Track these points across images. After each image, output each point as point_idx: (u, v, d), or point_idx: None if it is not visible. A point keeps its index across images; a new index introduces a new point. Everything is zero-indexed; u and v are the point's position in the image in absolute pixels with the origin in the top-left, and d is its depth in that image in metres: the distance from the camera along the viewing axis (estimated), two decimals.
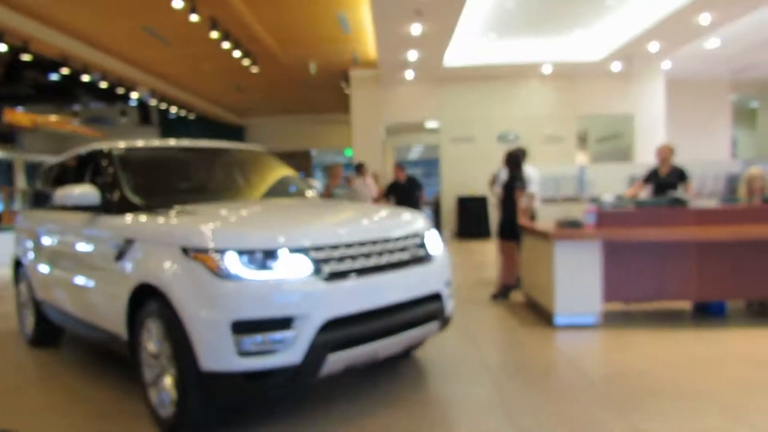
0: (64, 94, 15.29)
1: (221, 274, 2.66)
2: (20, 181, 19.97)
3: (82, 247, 3.81)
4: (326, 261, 2.85)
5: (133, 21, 10.11)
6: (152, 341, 3.00)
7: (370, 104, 14.51)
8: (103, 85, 12.88)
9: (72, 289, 3.92)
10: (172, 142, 4.57)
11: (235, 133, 21.27)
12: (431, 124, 15.83)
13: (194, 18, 9.17)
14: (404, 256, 3.24)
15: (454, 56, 12.81)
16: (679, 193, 5.95)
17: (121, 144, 4.01)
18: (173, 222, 3.13)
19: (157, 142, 4.43)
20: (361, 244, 3.02)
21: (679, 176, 6.49)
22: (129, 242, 3.20)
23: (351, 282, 2.89)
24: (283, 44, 12.04)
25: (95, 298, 3.61)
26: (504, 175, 6.75)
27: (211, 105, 18.73)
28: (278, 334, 2.64)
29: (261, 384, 2.69)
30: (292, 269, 2.74)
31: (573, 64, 13.54)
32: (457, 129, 14.67)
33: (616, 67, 13.69)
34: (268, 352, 2.64)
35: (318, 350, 2.72)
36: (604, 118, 15.95)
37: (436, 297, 3.38)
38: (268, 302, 2.67)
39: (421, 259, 3.34)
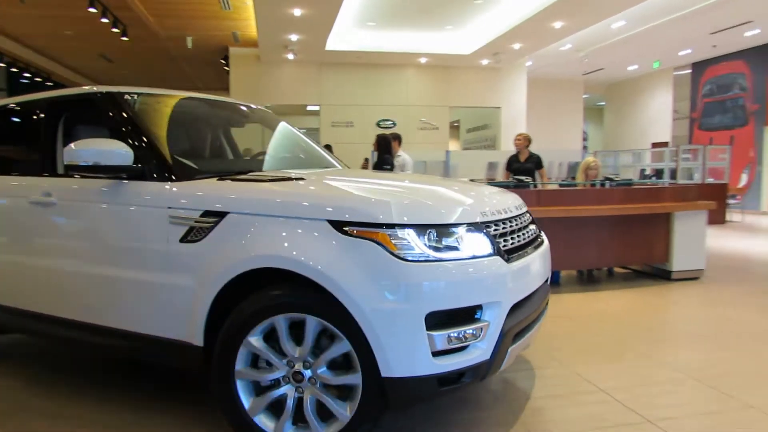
0: None
1: (404, 255, 2.11)
2: None
3: (93, 224, 2.80)
4: (497, 238, 2.39)
5: None
6: (268, 348, 2.29)
7: (250, 84, 14.42)
8: None
9: (59, 281, 2.91)
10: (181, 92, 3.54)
11: None
12: (312, 107, 16.07)
13: None
14: (534, 234, 2.82)
15: (337, 41, 13.12)
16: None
17: (126, 88, 3.07)
18: (311, 190, 2.48)
19: (165, 91, 3.37)
20: (513, 218, 2.61)
21: (536, 163, 7.43)
22: (214, 216, 2.39)
23: (521, 262, 2.45)
24: (158, 15, 11.61)
25: (126, 292, 2.64)
26: (375, 158, 7.22)
27: (73, 74, 17.43)
28: (471, 326, 2.18)
29: (453, 388, 2.23)
30: (475, 248, 2.26)
31: (446, 56, 14.43)
32: (338, 113, 15.04)
33: (485, 61, 14.81)
34: (461, 350, 2.17)
35: (505, 343, 2.29)
36: (474, 110, 17.14)
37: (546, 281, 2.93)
38: (463, 288, 2.18)
39: (540, 238, 2.94)
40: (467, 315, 2.18)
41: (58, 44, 13.91)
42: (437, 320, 2.11)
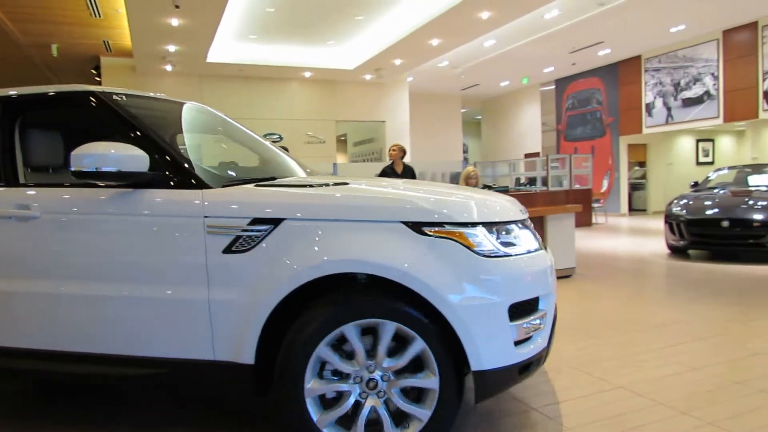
0: None
1: (482, 251, 2.17)
2: None
3: (102, 239, 2.46)
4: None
5: None
6: (341, 358, 2.22)
7: None
8: None
9: (62, 308, 2.49)
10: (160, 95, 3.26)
11: None
12: None
13: None
14: None
15: (219, 53, 12.80)
16: None
17: (109, 89, 2.76)
18: (378, 193, 2.40)
19: (141, 93, 3.04)
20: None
21: (411, 174, 7.74)
22: (265, 224, 2.24)
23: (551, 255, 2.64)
24: (18, 20, 10.65)
25: (153, 314, 2.36)
26: None
27: None
28: (536, 317, 2.28)
29: (525, 377, 2.30)
30: (527, 244, 2.37)
31: (331, 71, 14.61)
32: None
33: (368, 76, 15.18)
34: (529, 340, 2.26)
35: (553, 332, 2.40)
36: (361, 124, 17.46)
37: None
38: (530, 280, 2.28)
39: None
40: (531, 306, 2.28)
41: None
42: (516, 311, 2.19)
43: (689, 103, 13.99)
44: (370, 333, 2.21)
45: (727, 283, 5.94)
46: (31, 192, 2.58)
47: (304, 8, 10.65)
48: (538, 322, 2.28)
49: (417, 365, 2.20)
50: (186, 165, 2.44)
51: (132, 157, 2.28)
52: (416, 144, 17.35)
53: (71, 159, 2.22)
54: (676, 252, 8.14)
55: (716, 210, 7.54)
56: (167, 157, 2.42)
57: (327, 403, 2.24)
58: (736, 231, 7.25)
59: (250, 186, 2.43)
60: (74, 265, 2.45)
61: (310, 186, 2.41)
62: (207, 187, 2.36)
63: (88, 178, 2.27)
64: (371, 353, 2.20)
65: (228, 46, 12.80)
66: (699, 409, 2.72)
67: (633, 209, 16.77)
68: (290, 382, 2.18)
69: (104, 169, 2.22)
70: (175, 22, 10.00)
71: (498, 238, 2.25)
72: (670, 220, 7.96)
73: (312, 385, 2.19)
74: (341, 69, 14.48)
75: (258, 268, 2.21)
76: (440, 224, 2.18)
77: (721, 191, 8.28)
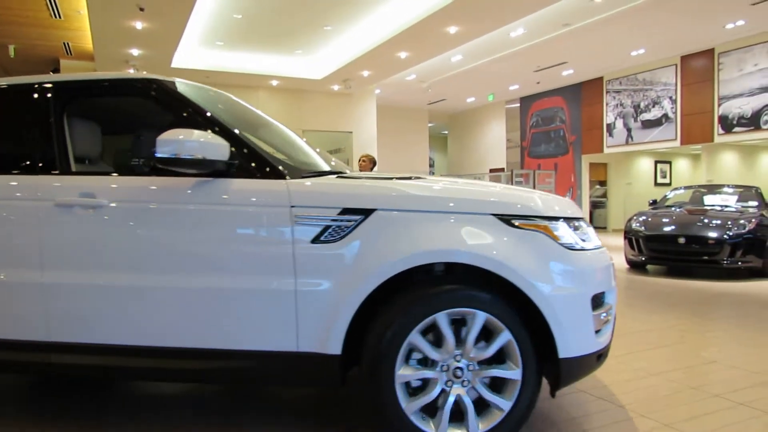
0: None
1: (566, 244, 2.27)
2: None
3: (178, 229, 2.37)
4: None
5: None
6: (432, 346, 2.23)
7: None
8: None
9: (134, 301, 2.38)
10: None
11: None
12: None
13: None
14: None
15: (184, 59, 12.61)
16: None
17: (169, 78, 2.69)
18: (469, 186, 2.46)
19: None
20: None
21: None
22: (356, 214, 2.25)
23: None
24: None
25: (235, 305, 2.30)
26: None
27: None
28: (607, 309, 2.39)
29: (599, 366, 2.41)
30: (594, 240, 2.48)
31: (298, 80, 14.55)
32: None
33: (336, 87, 15.17)
34: (602, 330, 2.35)
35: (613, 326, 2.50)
36: (328, 134, 17.41)
37: None
38: (604, 273, 2.39)
39: None
40: (601, 300, 2.36)
41: None
42: (595, 302, 2.30)
43: (648, 125, 14.43)
44: (454, 323, 2.24)
45: (683, 297, 6.08)
46: (96, 180, 2.48)
47: (272, 16, 10.60)
48: (608, 313, 2.40)
49: (500, 356, 2.25)
50: (266, 155, 2.43)
51: (214, 145, 2.25)
52: (383, 156, 17.37)
53: (157, 144, 2.18)
54: (635, 267, 8.31)
55: (673, 227, 7.75)
56: (247, 147, 2.40)
57: (410, 390, 2.26)
58: (692, 248, 7.45)
59: (331, 178, 2.45)
60: (149, 257, 2.36)
61: (391, 179, 2.45)
62: (289, 177, 2.35)
63: (173, 165, 2.22)
64: (458, 343, 2.23)
65: (194, 52, 12.63)
66: (657, 411, 2.79)
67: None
68: (382, 370, 2.18)
69: (190, 156, 2.19)
70: (139, 25, 9.80)
71: (575, 232, 2.36)
72: (630, 235, 8.13)
73: (402, 371, 2.20)
74: (309, 78, 14.44)
75: (348, 258, 2.23)
76: (529, 218, 2.27)
77: (678, 209, 8.52)
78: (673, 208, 8.67)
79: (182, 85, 2.65)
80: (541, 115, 18.02)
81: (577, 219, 2.42)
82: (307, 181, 2.37)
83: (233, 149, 2.33)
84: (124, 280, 2.36)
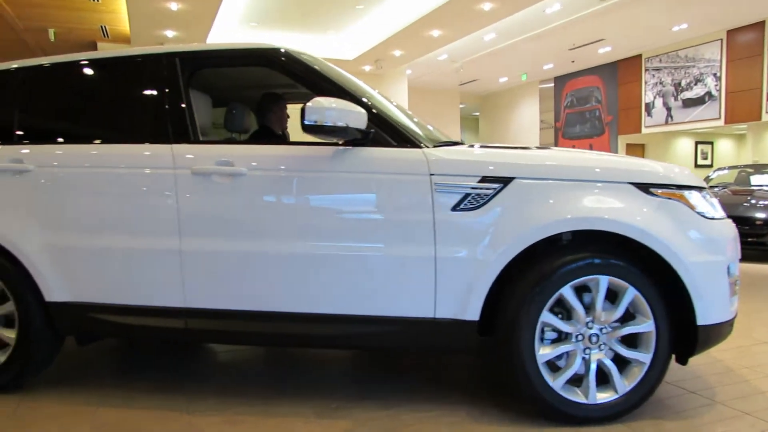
0: None
1: (701, 213, 2.29)
2: None
3: (319, 197, 2.41)
4: None
5: None
6: (580, 305, 2.26)
7: None
8: None
9: (277, 267, 2.40)
10: None
11: None
12: None
13: None
14: None
15: (218, 40, 12.68)
16: None
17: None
18: (603, 155, 2.51)
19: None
20: None
21: None
22: (495, 182, 2.26)
23: None
24: (15, 4, 10.49)
25: (376, 271, 2.34)
26: None
27: None
28: (734, 279, 2.38)
29: (729, 334, 2.42)
30: (721, 210, 2.48)
31: (330, 60, 14.40)
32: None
33: (368, 67, 15.08)
34: (733, 300, 2.38)
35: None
36: None
37: None
38: (734, 245, 2.40)
39: None
40: (732, 269, 2.35)
41: None
42: (729, 271, 2.30)
43: (690, 103, 13.98)
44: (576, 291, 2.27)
45: None
46: (233, 148, 2.55)
47: None
48: (735, 284, 2.39)
49: (628, 316, 2.28)
50: (401, 124, 2.47)
51: (355, 113, 2.26)
52: None
53: (306, 111, 2.21)
54: None
55: None
56: (383, 116, 2.44)
57: (551, 365, 2.30)
58: (739, 229, 7.20)
59: (464, 147, 2.49)
60: (287, 224, 2.40)
61: (528, 148, 2.49)
62: (426, 146, 2.38)
63: (320, 133, 2.26)
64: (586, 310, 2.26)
65: (228, 34, 12.68)
66: (709, 389, 2.76)
67: None
68: (522, 348, 2.22)
69: (334, 124, 2.21)
70: (174, 6, 9.87)
71: (706, 201, 2.36)
72: None
73: (542, 351, 2.24)
74: (341, 59, 14.37)
75: (488, 226, 2.25)
76: (666, 186, 2.28)
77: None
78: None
79: (306, 55, 2.66)
80: (575, 95, 17.63)
81: (705, 189, 2.40)
82: (446, 150, 2.38)
83: (371, 118, 2.35)
84: (262, 247, 2.40)
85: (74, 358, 3.23)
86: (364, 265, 2.35)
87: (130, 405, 2.60)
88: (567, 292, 2.22)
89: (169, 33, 11.59)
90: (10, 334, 2.66)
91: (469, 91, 20.87)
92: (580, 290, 2.27)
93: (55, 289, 2.57)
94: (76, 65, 2.86)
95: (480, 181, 2.27)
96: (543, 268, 2.22)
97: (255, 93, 3.53)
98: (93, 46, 13.27)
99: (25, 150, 2.69)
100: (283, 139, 3.48)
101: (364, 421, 2.39)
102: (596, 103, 16.86)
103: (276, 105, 3.43)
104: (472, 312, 2.26)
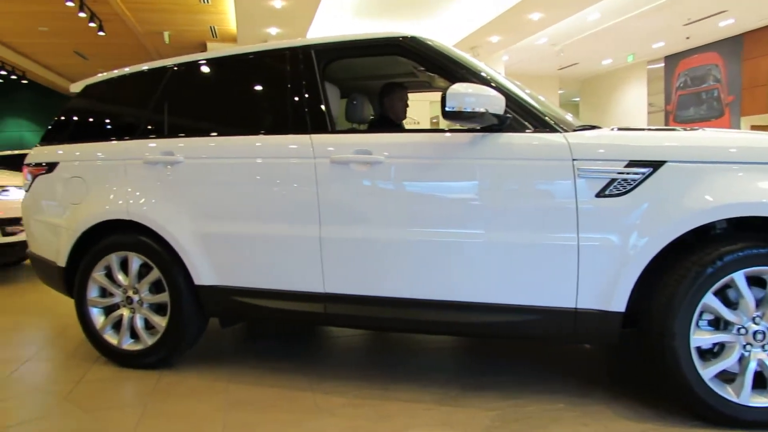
0: None
1: None
2: None
3: (467, 183, 2.40)
4: None
5: None
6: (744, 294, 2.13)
7: None
8: None
9: (418, 256, 2.43)
10: None
11: None
12: None
13: None
14: None
15: (317, 33, 13.02)
16: None
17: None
18: (752, 136, 2.34)
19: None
20: None
21: None
22: (643, 167, 2.16)
23: None
24: (136, 10, 11.37)
25: (514, 260, 2.31)
26: None
27: (45, 70, 16.99)
28: None
29: None
30: None
31: None
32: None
33: None
34: None
35: None
36: None
37: None
38: None
39: None
40: None
41: (33, 41, 13.54)
42: None
43: None
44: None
45: None
46: (370, 137, 2.64)
47: None
48: None
49: None
50: (538, 108, 2.41)
51: (494, 98, 2.23)
52: None
53: (446, 98, 2.21)
54: None
55: None
56: (521, 101, 2.40)
57: (703, 354, 2.18)
58: None
59: (606, 130, 2.40)
60: (426, 212, 2.43)
61: (675, 129, 2.37)
62: (566, 130, 2.32)
63: (458, 119, 2.25)
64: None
65: (325, 26, 12.98)
66: None
67: None
68: (675, 333, 2.11)
69: (477, 109, 2.19)
70: (278, 4, 10.24)
71: None
72: None
73: (697, 335, 2.13)
74: None
75: (637, 213, 2.15)
76: None
77: None
78: None
79: (437, 42, 2.66)
80: (690, 75, 16.34)
81: None
82: (587, 134, 2.32)
83: (507, 104, 2.31)
84: (400, 235, 2.44)
85: (207, 338, 3.47)
86: (502, 253, 2.31)
87: (259, 383, 2.75)
88: (739, 279, 2.08)
89: (273, 30, 12.05)
90: (161, 321, 2.88)
91: (568, 75, 19.98)
92: (752, 282, 2.11)
93: (203, 273, 2.76)
94: (219, 61, 3.07)
95: (627, 166, 2.17)
96: (709, 252, 2.08)
97: (372, 83, 3.60)
98: (203, 47, 14.09)
99: (176, 142, 2.89)
100: (401, 128, 3.54)
101: (487, 411, 2.38)
102: (714, 82, 15.52)
103: (399, 94, 3.50)
104: (618, 303, 2.17)
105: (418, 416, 2.35)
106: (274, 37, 12.52)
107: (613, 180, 2.18)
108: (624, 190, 2.16)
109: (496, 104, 2.23)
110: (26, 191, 3.33)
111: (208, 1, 10.85)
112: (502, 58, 15.99)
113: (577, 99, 22.86)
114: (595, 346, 3.13)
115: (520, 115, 2.35)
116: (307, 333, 3.63)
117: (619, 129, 2.43)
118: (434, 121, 18.88)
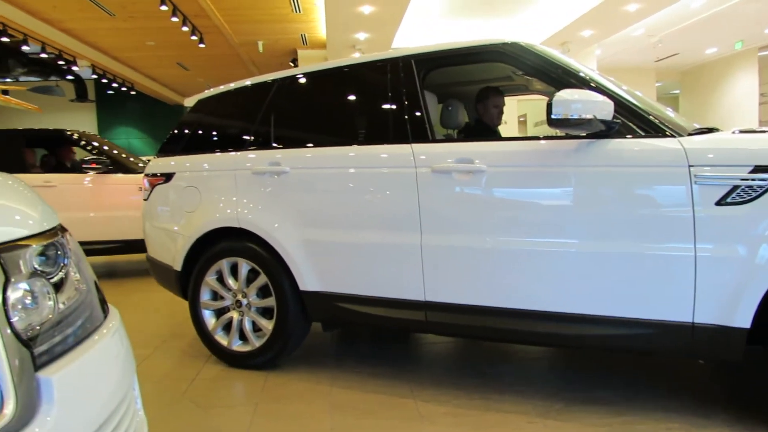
0: None
1: None
2: None
3: (574, 191, 2.33)
4: None
5: None
6: None
7: None
8: (43, 56, 12.40)
9: (522, 266, 2.40)
10: None
11: (177, 112, 20.86)
12: None
13: None
14: None
15: (404, 37, 13.10)
16: None
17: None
18: None
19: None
20: None
21: None
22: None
23: None
24: (233, 22, 11.97)
25: (626, 271, 2.21)
26: None
27: (151, 82, 18.26)
28: None
29: None
30: None
31: None
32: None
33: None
34: None
35: None
36: (542, 102, 16.71)
37: None
38: None
39: None
40: None
41: (141, 54, 14.58)
42: None
43: None
44: None
45: None
46: (472, 146, 2.59)
47: None
48: None
49: None
50: (649, 112, 2.31)
51: (602, 104, 2.16)
52: None
53: (553, 105, 2.18)
54: None
55: None
56: (630, 105, 2.33)
57: None
58: None
59: (725, 134, 2.28)
60: (531, 221, 2.39)
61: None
62: (680, 134, 2.22)
63: (565, 126, 2.22)
64: None
65: (412, 29, 13.03)
66: None
67: None
68: None
69: (584, 116, 2.14)
70: (366, 9, 10.40)
71: None
72: None
73: None
74: None
75: (764, 222, 2.00)
76: None
77: None
78: None
79: (539, 47, 2.62)
80: None
81: None
82: (705, 138, 2.20)
83: (615, 109, 2.23)
84: (504, 244, 2.40)
85: (307, 341, 3.60)
86: (612, 264, 2.22)
87: (360, 388, 2.82)
88: None
89: (361, 36, 12.25)
90: (267, 324, 3.03)
91: (666, 67, 18.81)
92: None
93: (308, 280, 2.88)
94: (320, 74, 3.16)
95: (753, 171, 2.01)
96: None
97: (467, 88, 3.59)
98: (294, 54, 14.59)
99: (282, 153, 3.02)
100: (497, 134, 3.50)
101: (594, 427, 2.31)
102: None
103: (494, 99, 3.47)
104: (742, 318, 2.02)
105: (521, 429, 2.32)
106: (363, 42, 12.73)
107: (735, 187, 2.04)
108: (748, 198, 2.02)
109: (605, 110, 2.15)
110: (145, 199, 3.60)
111: (300, 11, 11.22)
112: (594, 52, 15.35)
113: (677, 92, 21.49)
114: (713, 363, 2.95)
115: (631, 120, 2.27)
116: (402, 337, 3.67)
117: (741, 131, 2.28)
118: (521, 120, 18.47)
